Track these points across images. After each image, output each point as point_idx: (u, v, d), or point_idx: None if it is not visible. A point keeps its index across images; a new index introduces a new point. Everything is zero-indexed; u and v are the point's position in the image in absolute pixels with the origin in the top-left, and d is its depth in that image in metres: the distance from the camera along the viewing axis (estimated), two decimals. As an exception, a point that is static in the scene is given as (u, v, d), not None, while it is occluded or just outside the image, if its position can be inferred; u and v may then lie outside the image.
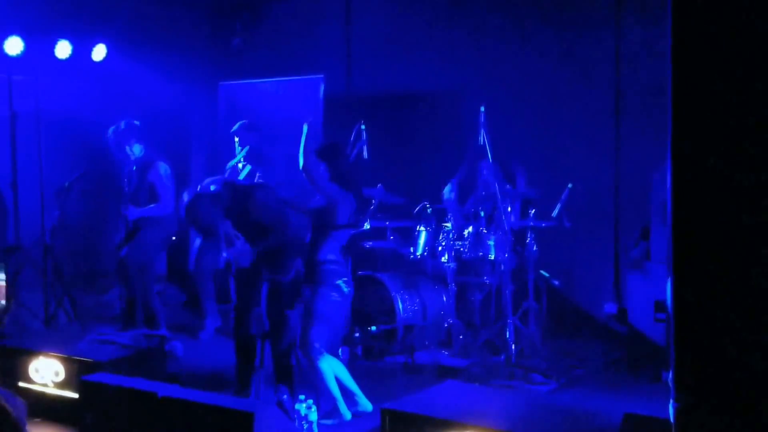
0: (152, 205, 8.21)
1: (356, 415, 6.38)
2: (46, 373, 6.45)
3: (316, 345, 6.21)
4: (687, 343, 3.17)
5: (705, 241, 3.10)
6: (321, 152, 6.41)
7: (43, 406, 6.32)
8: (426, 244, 8.09)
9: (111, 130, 8.35)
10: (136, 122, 8.39)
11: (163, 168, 8.29)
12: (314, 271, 6.27)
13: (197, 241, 9.12)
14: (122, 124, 8.33)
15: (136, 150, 8.30)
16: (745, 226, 3.02)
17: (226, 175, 8.37)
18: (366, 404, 6.39)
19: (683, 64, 3.13)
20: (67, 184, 8.97)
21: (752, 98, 2.99)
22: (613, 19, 8.78)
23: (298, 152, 6.37)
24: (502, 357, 7.62)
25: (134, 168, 8.33)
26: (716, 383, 3.10)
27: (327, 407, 6.26)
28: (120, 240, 8.44)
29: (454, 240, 7.93)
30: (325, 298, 6.22)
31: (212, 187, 6.60)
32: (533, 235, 7.74)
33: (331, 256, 6.27)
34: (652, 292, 7.78)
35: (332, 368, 6.29)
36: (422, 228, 8.11)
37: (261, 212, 6.55)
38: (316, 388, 6.32)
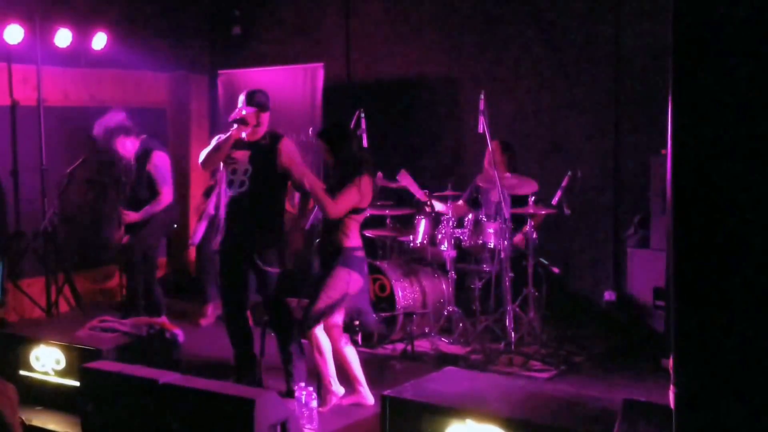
0: (151, 203, 8.10)
1: (356, 405, 6.40)
2: (46, 361, 6.44)
3: (320, 321, 6.25)
4: (687, 329, 3.16)
5: (705, 227, 3.09)
6: (323, 135, 6.40)
7: (44, 394, 6.33)
8: (425, 232, 8.10)
9: (96, 125, 8.17)
10: (122, 114, 8.23)
11: (159, 157, 8.18)
12: (346, 257, 6.29)
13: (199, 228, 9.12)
14: (107, 120, 8.14)
15: (129, 145, 8.16)
16: (746, 212, 3.01)
17: None
18: (368, 396, 6.41)
19: (684, 50, 3.11)
20: (67, 171, 8.99)
21: (754, 85, 2.98)
22: (613, 5, 8.78)
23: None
24: (502, 344, 7.63)
25: (132, 161, 8.25)
26: (716, 369, 3.09)
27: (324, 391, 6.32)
28: (121, 228, 8.42)
29: (454, 228, 7.94)
30: (352, 281, 6.28)
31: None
32: (533, 223, 7.74)
33: (358, 242, 6.36)
34: (651, 279, 7.81)
35: (348, 353, 6.38)
36: (422, 216, 8.12)
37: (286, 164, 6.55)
38: (316, 373, 6.37)
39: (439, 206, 8.18)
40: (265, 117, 6.60)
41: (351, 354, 6.41)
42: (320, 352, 6.28)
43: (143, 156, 8.18)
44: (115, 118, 8.18)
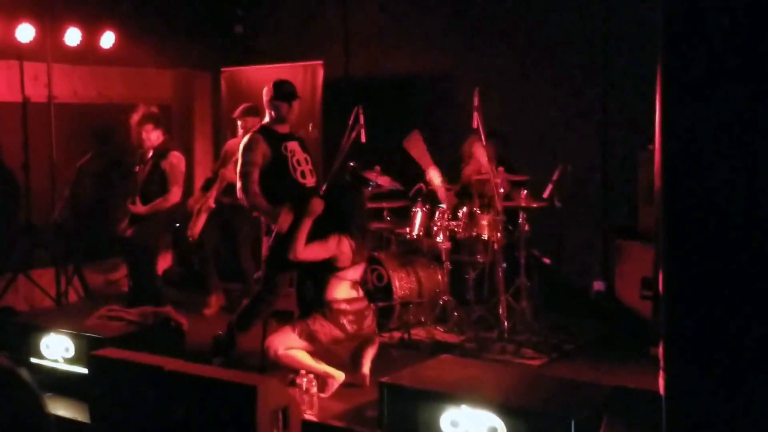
0: (159, 199, 8.29)
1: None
2: (56, 349, 6.56)
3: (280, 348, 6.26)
4: (676, 316, 3.24)
5: (693, 218, 3.18)
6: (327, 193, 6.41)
7: (54, 381, 6.40)
8: (422, 224, 8.16)
9: (134, 113, 8.39)
10: (154, 109, 8.47)
11: (176, 158, 8.37)
12: (323, 307, 6.33)
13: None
14: (145, 110, 8.38)
15: (154, 137, 8.38)
16: (732, 203, 3.10)
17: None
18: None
19: (673, 44, 3.20)
20: (77, 166, 9.15)
21: (742, 79, 3.07)
22: (602, 1, 8.90)
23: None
24: (495, 332, 7.73)
25: (150, 155, 8.42)
26: (705, 355, 3.17)
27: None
28: (125, 221, 8.55)
29: (449, 220, 8.03)
30: (326, 329, 6.32)
31: None
32: (525, 215, 7.87)
33: (339, 296, 6.34)
34: (639, 270, 7.94)
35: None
36: (418, 209, 8.20)
37: None
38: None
39: (436, 179, 8.27)
40: (297, 104, 6.91)
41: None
42: (297, 363, 6.29)
43: (162, 152, 8.36)
44: (151, 110, 8.41)
